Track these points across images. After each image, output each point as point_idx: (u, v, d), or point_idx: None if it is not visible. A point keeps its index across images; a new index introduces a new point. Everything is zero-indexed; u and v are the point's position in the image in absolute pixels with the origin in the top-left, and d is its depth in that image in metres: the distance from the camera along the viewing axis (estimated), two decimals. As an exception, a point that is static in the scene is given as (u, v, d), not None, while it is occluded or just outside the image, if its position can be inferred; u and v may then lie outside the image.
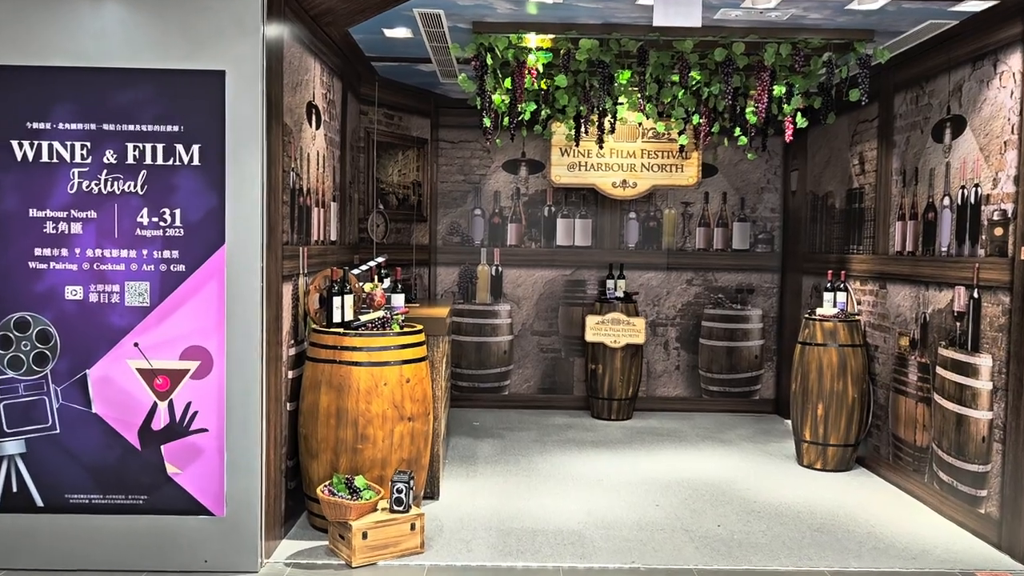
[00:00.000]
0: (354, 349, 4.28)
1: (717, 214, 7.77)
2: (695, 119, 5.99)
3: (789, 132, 5.75)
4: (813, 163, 7.12)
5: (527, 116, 6.47)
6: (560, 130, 6.81)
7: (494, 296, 7.78)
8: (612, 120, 5.96)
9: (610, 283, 7.54)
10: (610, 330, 7.26)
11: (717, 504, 5.07)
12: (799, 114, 5.80)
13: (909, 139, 5.44)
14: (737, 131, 6.41)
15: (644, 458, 6.13)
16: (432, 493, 5.00)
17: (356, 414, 4.25)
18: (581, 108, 5.95)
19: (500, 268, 7.77)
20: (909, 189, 5.41)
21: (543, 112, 6.54)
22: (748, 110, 6.19)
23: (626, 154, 7.03)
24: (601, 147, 6.31)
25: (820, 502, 5.13)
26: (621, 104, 6.40)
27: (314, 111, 4.83)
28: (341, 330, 4.37)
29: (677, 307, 7.81)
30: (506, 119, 6.47)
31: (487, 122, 5.71)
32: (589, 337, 7.31)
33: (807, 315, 5.98)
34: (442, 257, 7.74)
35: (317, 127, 4.92)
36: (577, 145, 6.43)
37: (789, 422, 7.13)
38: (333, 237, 5.41)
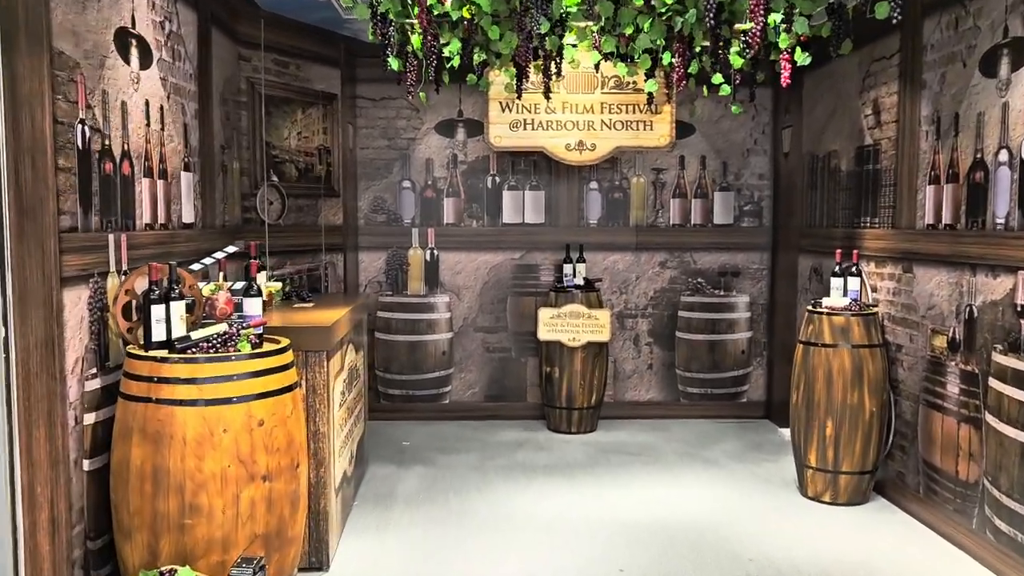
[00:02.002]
0: (177, 381, 2.95)
1: (695, 182, 6.48)
2: (666, 57, 4.67)
3: (786, 74, 4.44)
4: (811, 117, 5.84)
5: (455, 61, 5.12)
6: (499, 80, 5.45)
7: (429, 286, 6.46)
8: (558, 62, 4.62)
9: (567, 268, 6.24)
10: (568, 326, 5.97)
11: (700, 562, 3.82)
12: (798, 49, 4.49)
13: (945, 76, 4.16)
14: (718, 78, 5.10)
15: (608, 489, 4.87)
16: (319, 563, 3.70)
17: (182, 476, 2.92)
18: (519, 46, 4.61)
19: (436, 252, 6.44)
20: (945, 142, 4.14)
21: (476, 55, 5.18)
22: (733, 50, 4.88)
23: (582, 108, 5.70)
24: (548, 98, 4.97)
25: (835, 555, 3.89)
26: (573, 45, 5.06)
27: (135, 43, 3.46)
28: (162, 353, 3.03)
29: (649, 295, 6.53)
30: (431, 68, 5.14)
31: (393, 63, 4.36)
32: (543, 335, 6.02)
33: (810, 307, 4.71)
34: (364, 240, 6.39)
35: (144, 67, 3.55)
36: (519, 98, 5.11)
37: (785, 432, 5.90)
38: (187, 218, 4.05)
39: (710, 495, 4.80)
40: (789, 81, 4.45)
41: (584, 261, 6.27)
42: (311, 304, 4.52)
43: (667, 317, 6.54)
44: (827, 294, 4.91)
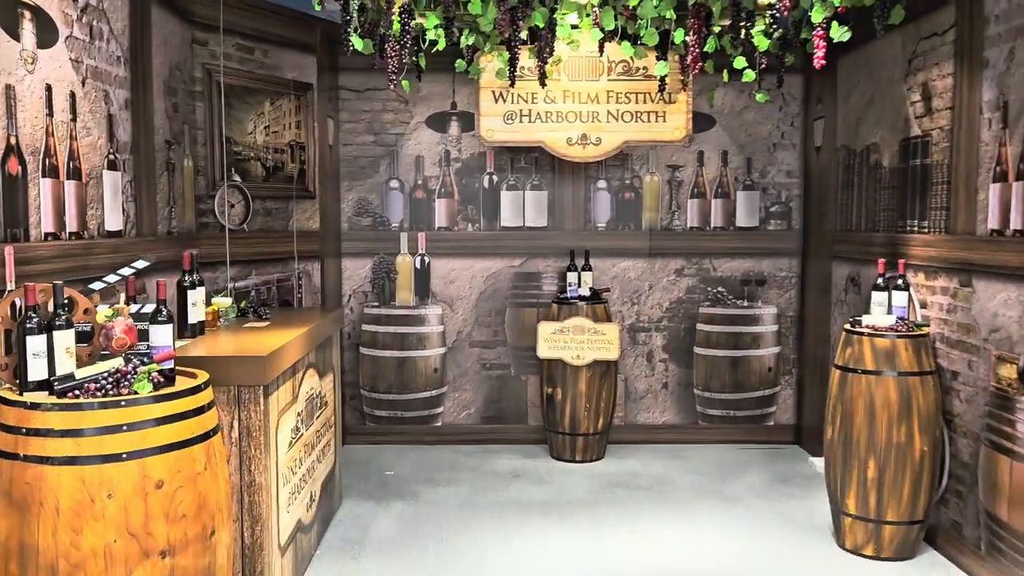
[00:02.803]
0: (51, 433, 2.35)
1: (715, 181, 5.80)
2: (678, 35, 4.01)
3: (820, 53, 3.77)
4: (847, 107, 5.14)
5: (440, 43, 4.51)
6: (491, 66, 4.82)
7: (420, 296, 5.84)
8: (551, 39, 3.98)
9: (572, 277, 5.59)
10: (572, 342, 5.33)
11: (718, 642, 3.17)
12: (834, 23, 3.83)
13: (1014, 53, 3.46)
14: (740, 61, 4.45)
15: (612, 533, 4.22)
16: (256, 639, 3.10)
17: (54, 554, 2.32)
18: (498, 18, 3.99)
19: (427, 259, 5.82)
20: (1015, 132, 3.44)
21: (463, 37, 4.57)
22: (757, 28, 4.22)
23: (586, 98, 5.04)
24: (544, 84, 4.34)
25: (882, 633, 3.23)
26: (574, 26, 4.43)
27: (28, 15, 2.87)
28: (36, 397, 2.44)
29: (664, 306, 5.87)
30: (410, 49, 4.55)
31: (357, 43, 3.74)
32: (543, 352, 5.37)
33: (849, 325, 4.03)
34: (348, 246, 5.79)
35: (44, 45, 2.96)
36: (512, 85, 4.47)
37: (817, 462, 5.21)
38: (113, 226, 3.46)
39: (729, 542, 4.13)
40: (823, 62, 3.80)
41: (591, 269, 5.62)
42: (266, 323, 3.92)
43: (684, 331, 5.87)
44: (867, 309, 4.23)
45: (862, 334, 3.90)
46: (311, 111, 5.16)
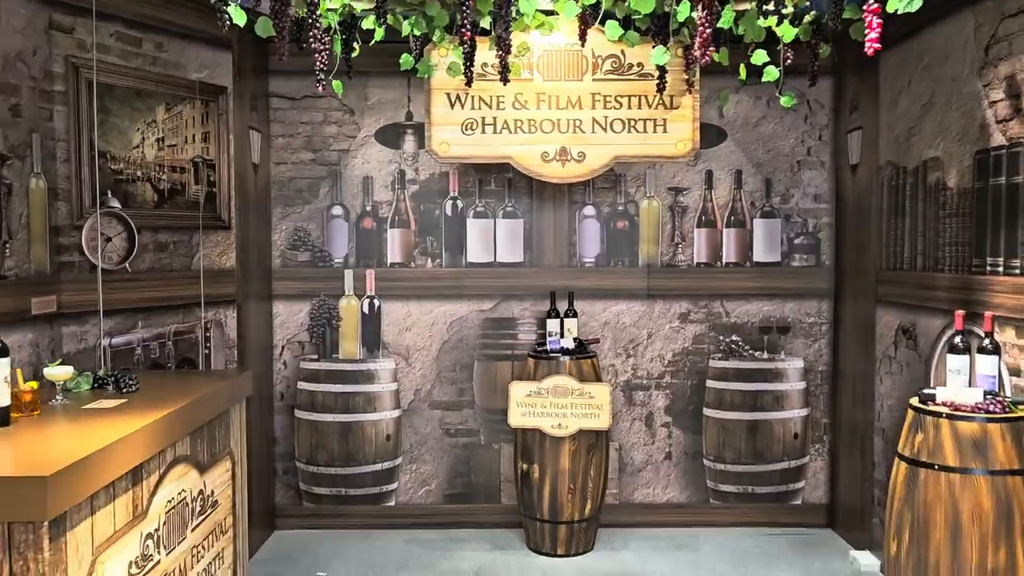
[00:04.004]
0: None
1: (727, 206, 4.77)
2: (683, 10, 3.00)
3: (874, 35, 2.77)
4: (893, 114, 4.12)
5: (378, 33, 3.53)
6: (444, 62, 3.80)
7: (368, 347, 4.79)
8: (506, 18, 2.97)
9: (553, 324, 4.54)
10: (552, 407, 4.27)
11: None
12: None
13: None
14: (760, 55, 3.45)
15: None
16: None
17: None
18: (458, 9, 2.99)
19: (377, 302, 4.78)
20: None
21: (407, 25, 3.57)
22: (785, 8, 3.23)
23: (565, 102, 4.01)
24: (505, 81, 3.31)
25: None
26: (550, 12, 3.45)
27: None
28: None
29: (666, 359, 4.81)
30: (343, 42, 3.61)
31: (237, 16, 2.74)
32: (516, 420, 4.32)
33: (917, 401, 2.97)
34: (281, 286, 4.75)
35: None
36: (469, 84, 3.46)
37: (861, 556, 4.13)
38: None
39: None
40: (878, 47, 2.78)
41: (576, 315, 4.57)
42: (123, 400, 2.86)
43: (691, 388, 4.81)
44: (927, 372, 3.18)
45: (938, 415, 2.84)
46: (225, 121, 4.14)
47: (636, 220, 4.77)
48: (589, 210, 4.78)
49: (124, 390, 3.00)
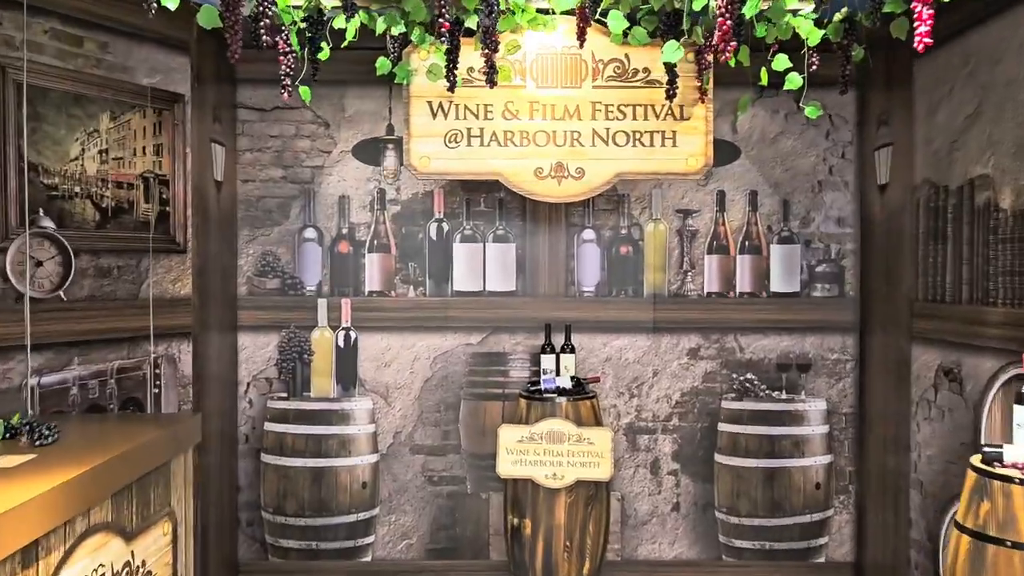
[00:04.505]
0: None
1: (741, 230, 4.32)
2: (698, -3, 2.57)
3: (925, 28, 2.33)
4: (931, 126, 3.67)
5: (350, 32, 3.12)
6: (423, 66, 3.36)
7: (343, 384, 4.31)
8: (490, 11, 2.54)
9: (547, 361, 4.07)
10: (546, 454, 3.79)
11: None
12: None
13: None
14: (781, 60, 3.03)
15: None
16: None
17: None
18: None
19: (353, 334, 4.31)
20: None
21: (381, 22, 3.14)
22: (805, 11, 2.83)
23: (562, 111, 3.56)
24: (492, 83, 2.88)
25: None
26: (547, 11, 3.04)
27: None
28: None
29: (673, 399, 4.33)
30: (308, 41, 3.20)
31: (167, -3, 2.29)
32: (506, 468, 3.83)
33: (980, 461, 2.50)
34: (248, 317, 4.28)
35: None
36: (452, 89, 3.02)
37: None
38: None
39: None
40: (929, 42, 2.34)
41: (573, 350, 4.10)
42: (31, 456, 2.38)
43: (701, 432, 4.33)
44: (976, 419, 2.71)
45: (1010, 480, 2.36)
46: (181, 132, 3.69)
47: (641, 245, 4.32)
48: (588, 234, 4.33)
49: (37, 442, 2.52)
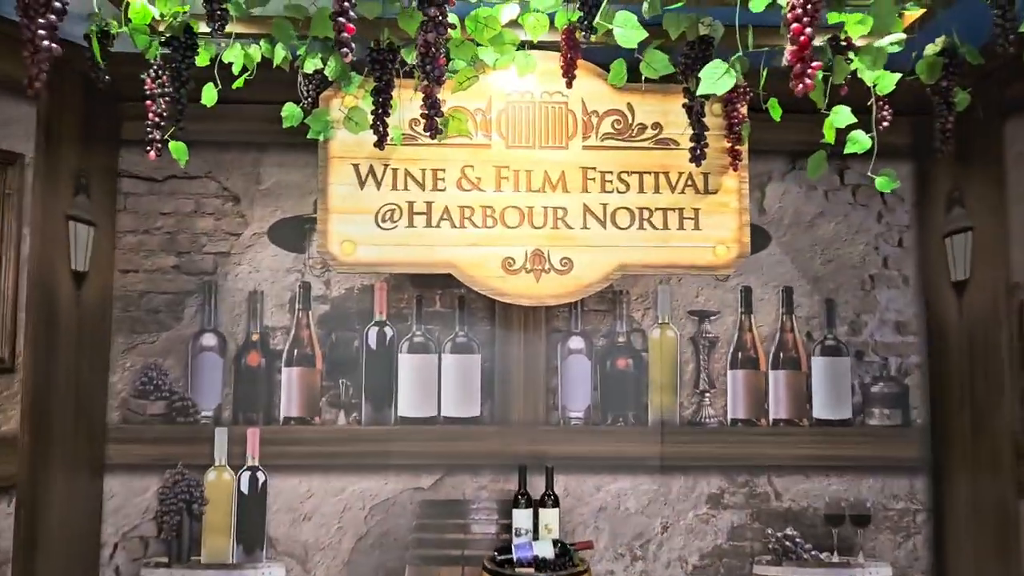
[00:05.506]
0: None
1: (773, 338, 3.33)
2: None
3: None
4: (1034, 205, 2.74)
5: (238, 63, 2.15)
6: (341, 111, 2.38)
7: (247, 545, 3.18)
8: (437, 38, 1.58)
9: (521, 517, 3.00)
10: (518, 658, 2.67)
11: None
12: None
13: None
14: (843, 113, 2.10)
15: None
16: None
17: None
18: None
19: (262, 475, 3.21)
20: None
21: (281, 50, 2.19)
22: (885, 42, 1.92)
23: (542, 180, 2.58)
24: (434, 132, 1.89)
25: None
26: (526, 44, 2.11)
27: None
28: None
29: (690, 562, 3.25)
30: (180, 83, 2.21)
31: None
32: None
33: None
34: (118, 453, 3.19)
35: None
36: (381, 146, 2.06)
37: None
38: None
39: None
40: None
41: (557, 502, 3.04)
42: None
43: (728, 609, 3.23)
44: None
45: None
46: (15, 205, 2.68)
47: (644, 357, 3.31)
48: (576, 342, 3.31)
49: None
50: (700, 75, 1.65)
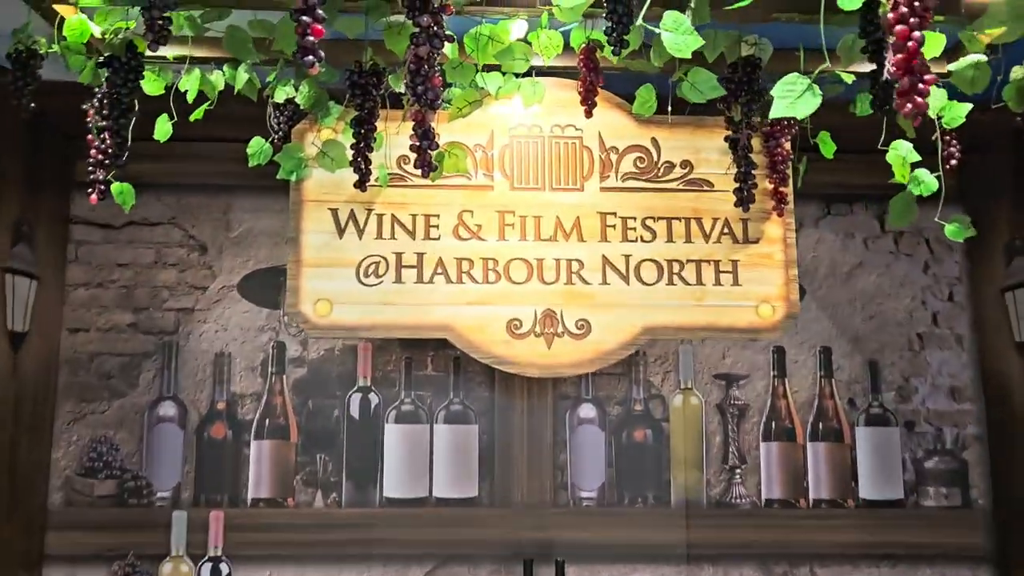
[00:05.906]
0: None
1: (811, 404, 2.94)
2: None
3: None
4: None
5: (192, 89, 1.77)
6: (315, 146, 2.01)
7: (206, 650, 2.73)
8: (431, 57, 1.21)
9: (527, 621, 2.56)
10: None
11: None
12: None
13: None
14: (902, 148, 1.74)
15: None
16: None
17: None
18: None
19: (226, 567, 2.77)
20: None
21: (244, 73, 1.81)
22: (965, 64, 1.55)
23: (553, 228, 2.22)
24: (427, 170, 1.51)
25: None
26: (526, 40, 1.74)
27: None
28: None
29: (721, 669, 2.81)
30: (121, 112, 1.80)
31: None
32: None
33: None
34: (60, 542, 2.75)
35: None
36: (363, 187, 1.70)
37: None
38: None
39: None
40: None
41: (568, 601, 2.60)
42: None
43: None
44: None
45: None
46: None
47: (664, 427, 2.90)
48: (587, 410, 2.91)
49: None
50: (772, 93, 1.29)
